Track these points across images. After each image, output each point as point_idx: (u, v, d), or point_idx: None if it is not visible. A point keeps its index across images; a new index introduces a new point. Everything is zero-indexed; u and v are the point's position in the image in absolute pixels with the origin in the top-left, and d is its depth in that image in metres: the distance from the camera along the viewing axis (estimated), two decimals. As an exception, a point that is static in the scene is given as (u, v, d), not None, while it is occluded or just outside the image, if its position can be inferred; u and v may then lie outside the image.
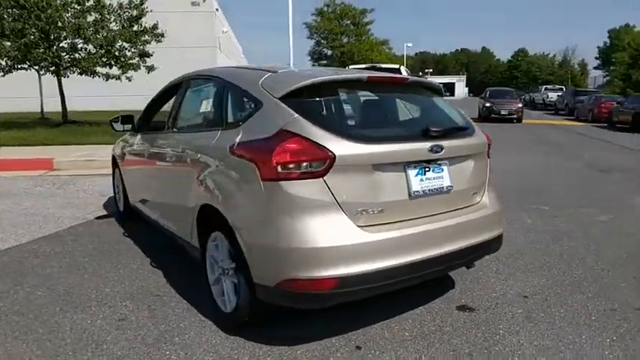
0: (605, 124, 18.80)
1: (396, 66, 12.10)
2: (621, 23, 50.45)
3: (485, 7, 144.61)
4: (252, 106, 2.54)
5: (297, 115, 2.29)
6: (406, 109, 2.82)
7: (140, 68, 14.70)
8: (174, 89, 3.75)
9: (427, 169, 2.47)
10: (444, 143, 2.48)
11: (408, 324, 2.73)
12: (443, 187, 2.52)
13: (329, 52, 24.60)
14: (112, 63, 14.32)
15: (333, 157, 2.18)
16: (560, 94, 29.63)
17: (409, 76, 2.84)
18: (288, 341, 2.51)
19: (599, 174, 7.94)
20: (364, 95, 2.75)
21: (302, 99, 2.40)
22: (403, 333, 2.64)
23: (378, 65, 13.35)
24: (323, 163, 2.18)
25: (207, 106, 3.07)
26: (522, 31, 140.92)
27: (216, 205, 2.53)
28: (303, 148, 2.19)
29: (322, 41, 25.12)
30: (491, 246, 2.77)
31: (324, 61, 24.84)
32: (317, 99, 2.44)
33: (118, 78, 14.46)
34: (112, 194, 6.02)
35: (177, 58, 23.53)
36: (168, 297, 3.08)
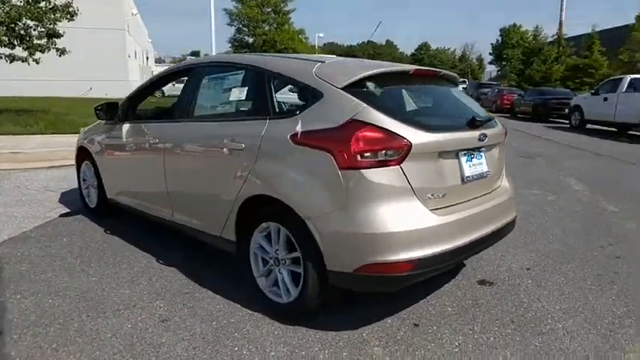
0: (508, 114, 20.89)
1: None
2: (510, 23, 55.81)
3: (391, 3, 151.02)
4: (309, 95, 2.53)
5: (365, 104, 2.35)
6: (442, 100, 2.99)
7: (49, 50, 13.24)
8: (175, 77, 3.52)
9: (473, 156, 2.67)
10: (486, 132, 2.71)
11: (446, 300, 2.94)
12: (483, 173, 2.75)
13: (250, 40, 24.12)
14: (16, 43, 12.74)
15: (410, 146, 2.28)
16: (464, 86, 32.14)
17: (440, 70, 3.00)
18: (349, 325, 2.58)
19: (528, 160, 8.89)
20: (412, 87, 2.86)
21: (364, 89, 2.46)
22: (446, 309, 2.84)
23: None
24: (400, 152, 2.27)
25: (240, 94, 2.95)
26: (424, 26, 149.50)
27: (276, 195, 2.49)
28: (381, 137, 2.26)
29: (244, 28, 24.56)
30: (512, 225, 3.06)
31: (246, 49, 24.32)
32: (378, 89, 2.50)
33: (25, 60, 12.90)
34: (61, 189, 5.55)
35: (86, 41, 21.67)
36: (200, 294, 2.96)
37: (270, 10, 24.00)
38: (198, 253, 3.59)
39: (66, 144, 7.96)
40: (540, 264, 3.61)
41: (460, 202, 2.59)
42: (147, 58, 42.93)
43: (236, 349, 2.37)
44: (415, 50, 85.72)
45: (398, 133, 2.28)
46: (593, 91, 15.14)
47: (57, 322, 2.59)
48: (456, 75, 3.16)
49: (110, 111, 3.93)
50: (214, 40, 20.06)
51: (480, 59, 56.56)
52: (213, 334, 2.50)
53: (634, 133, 13.75)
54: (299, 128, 2.45)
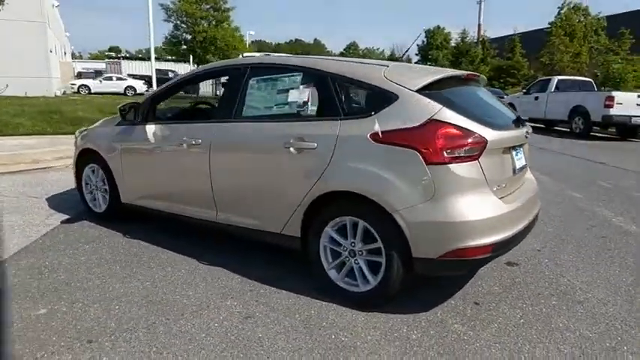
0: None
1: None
2: (435, 24, 59.02)
3: (321, 3, 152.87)
4: (382, 97, 2.71)
5: (441, 105, 2.59)
6: (483, 101, 3.30)
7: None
8: (210, 77, 3.51)
9: (517, 151, 3.02)
10: (528, 130, 3.06)
11: (489, 281, 3.27)
12: (523, 166, 3.11)
13: (189, 37, 23.36)
14: None
15: (486, 142, 2.56)
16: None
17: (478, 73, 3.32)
18: (420, 308, 2.82)
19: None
20: (465, 89, 3.12)
21: (435, 91, 2.70)
22: (493, 288, 3.17)
23: (271, 54, 13.48)
24: (478, 148, 2.54)
25: (300, 96, 3.04)
26: (352, 27, 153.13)
27: (359, 190, 2.65)
28: (462, 135, 2.52)
29: (182, 25, 23.72)
30: (538, 214, 3.45)
31: (185, 47, 23.55)
32: (447, 92, 2.75)
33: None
34: (44, 195, 5.29)
35: (1, 33, 19.87)
36: (266, 290, 3.03)
37: (209, 7, 23.40)
38: (237, 252, 3.64)
39: (22, 147, 7.41)
40: (546, 246, 4.07)
41: (513, 192, 2.92)
42: (65, 54, 40.00)
43: (333, 336, 2.51)
44: (344, 50, 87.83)
45: (476, 131, 2.55)
46: (525, 91, 16.65)
47: (140, 326, 2.55)
48: (484, 77, 3.49)
49: (136, 112, 3.82)
50: (152, 37, 19.23)
51: (409, 59, 59.12)
52: (303, 325, 2.61)
53: (559, 128, 15.34)
54: (378, 128, 2.63)
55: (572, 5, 27.91)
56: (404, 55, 29.70)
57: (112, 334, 2.48)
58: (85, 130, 4.66)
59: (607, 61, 19.73)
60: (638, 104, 12.46)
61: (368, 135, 2.65)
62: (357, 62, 3.10)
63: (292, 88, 3.09)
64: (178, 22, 23.15)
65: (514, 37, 31.17)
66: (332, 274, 2.91)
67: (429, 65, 55.09)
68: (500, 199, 2.69)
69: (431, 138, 2.49)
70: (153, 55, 24.59)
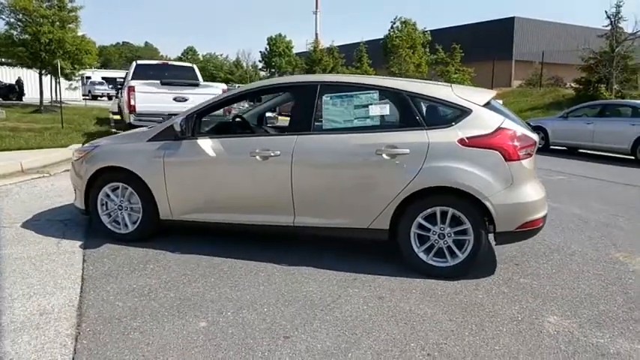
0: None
1: (189, 65, 12.09)
2: (277, 32, 61.40)
3: (151, 5, 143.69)
4: (460, 111, 3.50)
5: (502, 117, 3.50)
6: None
7: None
8: (269, 92, 3.80)
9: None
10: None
11: (518, 269, 4.30)
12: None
13: (28, 37, 20.09)
14: None
15: (535, 143, 3.55)
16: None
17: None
18: (481, 277, 3.67)
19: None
20: (497, 103, 4.02)
21: (492, 106, 3.60)
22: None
23: (170, 63, 12.91)
24: (534, 147, 3.54)
25: (382, 110, 3.59)
26: (187, 32, 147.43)
27: (454, 185, 3.36)
28: (525, 138, 3.46)
29: (18, 23, 20.33)
30: None
31: (21, 48, 20.25)
32: (494, 106, 3.67)
33: None
34: (17, 222, 4.76)
35: None
36: (368, 277, 3.52)
37: (49, 3, 20.62)
38: (299, 252, 4.00)
39: None
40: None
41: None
42: None
43: (456, 299, 3.19)
44: (181, 55, 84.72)
45: (531, 136, 3.52)
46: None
47: (307, 319, 2.85)
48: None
49: (184, 127, 3.84)
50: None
51: (254, 66, 60.36)
52: (428, 296, 3.22)
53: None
54: (462, 134, 3.41)
55: (402, 20, 32.65)
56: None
57: (312, 328, 2.74)
58: (92, 148, 4.32)
59: (447, 71, 24.17)
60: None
61: (456, 140, 3.40)
62: (423, 82, 3.82)
63: (370, 104, 3.65)
64: (12, 19, 19.92)
65: (361, 45, 34.60)
66: (421, 255, 3.57)
67: (273, 72, 57.72)
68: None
69: (507, 142, 3.37)
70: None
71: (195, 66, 12.09)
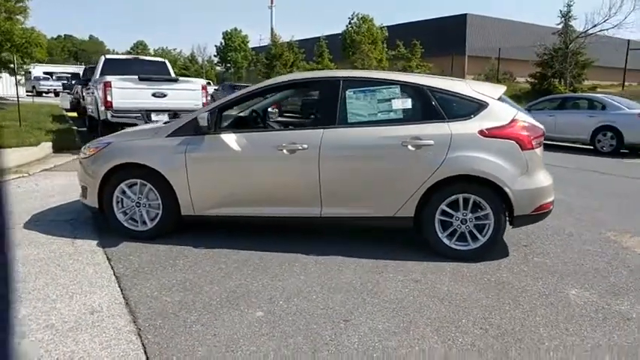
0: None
1: (162, 60, 11.74)
2: (232, 27, 60.34)
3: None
4: (478, 104, 3.73)
5: (515, 109, 3.77)
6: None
7: None
8: (293, 87, 3.90)
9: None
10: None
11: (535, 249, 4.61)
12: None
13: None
14: None
15: (544, 133, 3.85)
16: (216, 88, 33.64)
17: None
18: (499, 258, 3.95)
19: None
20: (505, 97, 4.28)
21: (504, 100, 3.87)
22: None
23: (142, 58, 12.47)
24: (543, 136, 3.82)
25: (404, 104, 3.76)
26: (134, 25, 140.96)
27: (476, 173, 3.59)
28: (535, 128, 3.75)
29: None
30: None
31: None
32: (506, 99, 3.93)
33: None
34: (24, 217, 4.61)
35: None
36: (398, 263, 3.69)
37: (-6, -8, 19.30)
38: (325, 242, 4.12)
39: None
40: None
41: None
42: None
43: (482, 278, 3.43)
44: (131, 49, 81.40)
45: (540, 127, 3.81)
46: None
47: (372, 305, 2.99)
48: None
49: (209, 121, 3.84)
50: None
51: (210, 61, 59.09)
52: (457, 277, 3.44)
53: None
54: (481, 126, 3.65)
55: (360, 16, 33.12)
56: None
57: (365, 311, 2.87)
58: (103, 145, 4.22)
59: (409, 66, 24.84)
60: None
61: (477, 131, 3.63)
62: (441, 78, 4.02)
63: (393, 98, 3.82)
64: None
65: (321, 41, 34.68)
66: (445, 239, 3.79)
67: (229, 66, 56.85)
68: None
69: (522, 132, 3.64)
70: None
71: (167, 61, 11.78)
